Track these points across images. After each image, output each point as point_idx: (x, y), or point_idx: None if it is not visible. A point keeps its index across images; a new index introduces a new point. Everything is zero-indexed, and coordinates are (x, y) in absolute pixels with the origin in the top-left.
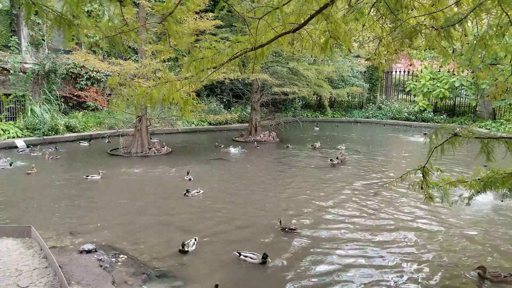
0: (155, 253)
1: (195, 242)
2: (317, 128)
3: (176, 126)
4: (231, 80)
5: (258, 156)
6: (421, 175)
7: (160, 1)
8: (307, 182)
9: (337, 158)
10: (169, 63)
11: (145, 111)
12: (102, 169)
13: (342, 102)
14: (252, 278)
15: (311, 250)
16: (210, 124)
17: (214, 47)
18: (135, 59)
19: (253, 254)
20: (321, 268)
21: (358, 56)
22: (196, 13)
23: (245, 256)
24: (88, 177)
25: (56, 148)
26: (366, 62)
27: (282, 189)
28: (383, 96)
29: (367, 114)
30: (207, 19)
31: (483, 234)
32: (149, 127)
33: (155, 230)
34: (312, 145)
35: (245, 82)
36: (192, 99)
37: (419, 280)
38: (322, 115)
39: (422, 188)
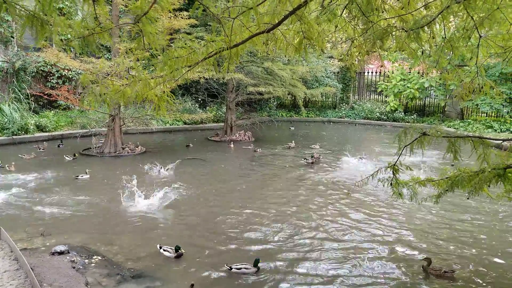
0: (129, 254)
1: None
2: (293, 128)
3: (151, 125)
4: (206, 79)
5: (233, 156)
6: (391, 172)
7: None
8: (282, 181)
9: (312, 157)
10: (143, 61)
11: (118, 110)
12: (77, 169)
13: (316, 102)
14: (230, 278)
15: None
16: (185, 123)
17: (189, 46)
18: (108, 57)
19: (170, 248)
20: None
21: (331, 57)
22: (171, 11)
23: (164, 250)
24: (78, 177)
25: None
26: (339, 62)
27: (258, 189)
28: (355, 96)
29: (340, 114)
30: (182, 18)
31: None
32: (122, 127)
33: (129, 231)
34: (287, 145)
35: (220, 82)
36: (167, 96)
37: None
38: (296, 115)
39: (391, 184)
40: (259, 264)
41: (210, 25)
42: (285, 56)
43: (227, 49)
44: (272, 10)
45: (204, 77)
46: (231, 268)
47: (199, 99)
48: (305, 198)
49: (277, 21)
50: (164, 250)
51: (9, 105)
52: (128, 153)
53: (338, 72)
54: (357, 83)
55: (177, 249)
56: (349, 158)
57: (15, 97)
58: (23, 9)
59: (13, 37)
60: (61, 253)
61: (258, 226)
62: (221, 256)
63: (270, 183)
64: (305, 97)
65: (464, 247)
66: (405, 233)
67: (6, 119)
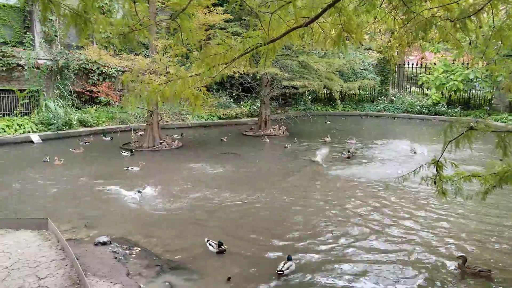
0: (167, 246)
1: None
2: (329, 122)
3: (187, 120)
4: (240, 74)
5: (268, 151)
6: (435, 169)
7: None
8: (320, 176)
9: (348, 151)
10: (180, 57)
11: (156, 106)
12: (135, 162)
13: (353, 95)
14: (268, 274)
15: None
16: (220, 118)
17: (227, 43)
18: (145, 54)
19: (214, 243)
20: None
21: (369, 49)
22: (208, 7)
23: (209, 244)
24: (129, 168)
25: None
26: (377, 54)
27: (294, 184)
28: (395, 89)
29: (378, 107)
30: (217, 13)
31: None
32: (160, 122)
33: (166, 224)
34: (322, 140)
35: (255, 76)
36: (203, 94)
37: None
38: (332, 109)
39: (435, 182)
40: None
41: (244, 20)
42: (321, 49)
43: (265, 45)
44: (310, 3)
45: (238, 72)
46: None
47: (234, 94)
48: (341, 193)
49: (314, 15)
50: (209, 244)
51: (54, 102)
52: (165, 147)
53: (376, 64)
54: (396, 76)
55: (219, 244)
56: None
57: (59, 93)
58: (67, 8)
59: (57, 36)
60: (103, 244)
61: (299, 223)
62: (260, 251)
63: (308, 179)
64: (341, 91)
65: (505, 248)
66: (441, 229)
67: (51, 115)
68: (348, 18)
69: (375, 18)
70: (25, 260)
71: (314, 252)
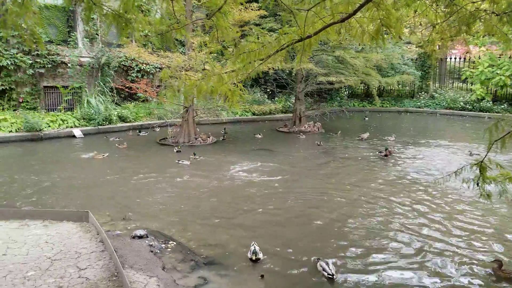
0: (202, 241)
1: (258, 247)
2: (367, 118)
3: (221, 116)
4: (275, 70)
5: (302, 147)
6: (478, 170)
7: None
8: (352, 174)
9: (386, 149)
10: (215, 54)
11: (192, 102)
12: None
13: (392, 91)
14: (302, 276)
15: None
16: (254, 114)
17: (261, 41)
18: (182, 51)
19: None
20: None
21: (409, 43)
22: (241, 4)
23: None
24: (180, 162)
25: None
26: (417, 49)
27: (328, 183)
28: (436, 84)
29: (419, 103)
30: (252, 9)
31: None
32: (195, 118)
33: (202, 219)
34: (359, 136)
35: (290, 72)
36: (240, 90)
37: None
38: (370, 105)
39: (478, 184)
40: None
41: (279, 15)
42: (359, 44)
43: (300, 41)
44: None
45: (273, 68)
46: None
47: (268, 90)
48: (379, 193)
49: (352, 10)
50: (254, 251)
51: (95, 98)
52: (200, 143)
53: (416, 59)
54: (438, 70)
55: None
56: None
57: (100, 90)
58: (109, 9)
59: (98, 35)
60: (140, 237)
61: (333, 224)
62: (295, 251)
63: (343, 176)
64: (379, 86)
65: None
66: (479, 234)
67: (92, 111)
68: (387, 13)
69: (415, 11)
70: (66, 251)
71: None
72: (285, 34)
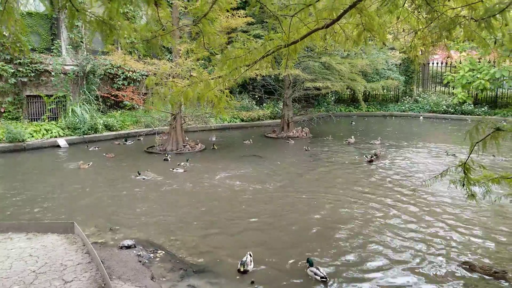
0: (191, 249)
1: (251, 258)
2: (354, 123)
3: (209, 123)
4: (262, 76)
5: (291, 153)
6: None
7: (192, 0)
8: (341, 178)
9: (372, 156)
10: (202, 61)
11: (179, 109)
12: (145, 168)
13: (377, 95)
14: (294, 279)
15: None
16: (242, 120)
17: (247, 47)
18: (169, 58)
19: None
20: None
21: (392, 49)
22: (227, 11)
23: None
24: (174, 170)
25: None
26: (401, 54)
27: (317, 187)
28: (419, 88)
29: (403, 107)
30: (239, 16)
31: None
32: (183, 125)
33: (190, 227)
34: (346, 141)
35: (277, 78)
36: (226, 96)
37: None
38: (356, 110)
39: (463, 185)
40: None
41: (266, 22)
42: (344, 50)
43: (285, 47)
44: (331, 5)
45: (261, 74)
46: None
47: (256, 96)
48: (368, 196)
49: (335, 16)
50: (243, 262)
51: (80, 106)
52: (189, 150)
53: (400, 64)
54: (421, 75)
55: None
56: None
57: (85, 98)
58: (93, 16)
59: (83, 42)
60: (128, 247)
61: (322, 230)
62: (287, 258)
63: (331, 181)
64: (365, 91)
65: None
66: (463, 234)
67: (77, 120)
68: (369, 19)
69: (398, 18)
70: (51, 264)
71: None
72: (270, 40)
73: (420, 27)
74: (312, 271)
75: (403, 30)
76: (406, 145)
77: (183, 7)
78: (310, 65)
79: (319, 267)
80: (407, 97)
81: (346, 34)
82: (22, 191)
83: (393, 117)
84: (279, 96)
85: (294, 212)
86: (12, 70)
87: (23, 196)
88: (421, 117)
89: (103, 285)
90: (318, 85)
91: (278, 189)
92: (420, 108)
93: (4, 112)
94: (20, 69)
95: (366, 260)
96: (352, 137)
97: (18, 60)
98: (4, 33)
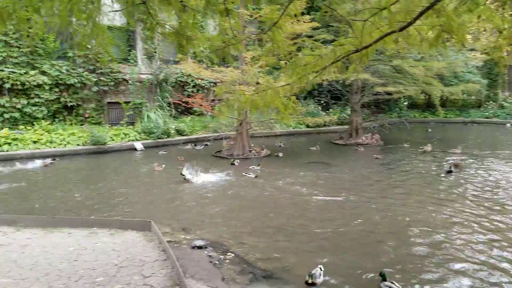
0: (260, 254)
1: (321, 272)
2: (430, 130)
3: (274, 129)
4: (329, 81)
5: (360, 160)
6: None
7: (257, 8)
8: (417, 190)
9: (455, 165)
10: (267, 68)
11: (245, 115)
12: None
13: (456, 100)
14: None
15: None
16: (308, 126)
17: (317, 53)
18: (235, 65)
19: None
20: None
21: (472, 50)
22: (296, 16)
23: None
24: (246, 174)
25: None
26: (482, 56)
27: (390, 197)
28: (505, 93)
29: (486, 113)
30: (304, 22)
31: None
32: (249, 130)
33: (259, 231)
34: (422, 149)
35: (344, 83)
36: (293, 103)
37: None
38: (432, 116)
39: None
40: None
41: (332, 26)
42: (418, 53)
43: (357, 52)
44: (406, 7)
45: (327, 79)
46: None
47: (322, 102)
48: (448, 210)
49: (410, 18)
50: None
51: (154, 112)
52: (254, 155)
53: (482, 66)
54: (507, 78)
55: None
56: None
57: (158, 105)
58: (171, 28)
59: (156, 52)
60: (200, 247)
61: (399, 243)
62: (353, 268)
63: (405, 191)
64: (442, 96)
65: None
66: None
67: (152, 125)
68: (447, 19)
69: (479, 17)
70: (132, 259)
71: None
72: (340, 45)
73: (505, 26)
74: (386, 286)
75: (485, 30)
76: (491, 155)
77: (248, 15)
78: (380, 68)
79: (394, 282)
80: (490, 102)
81: (422, 36)
82: (105, 189)
83: (475, 124)
84: (346, 102)
85: (366, 223)
86: (95, 79)
87: (106, 195)
88: (509, 124)
89: (178, 282)
90: (389, 89)
91: (348, 198)
92: (507, 114)
93: (88, 117)
94: (102, 78)
95: (448, 279)
96: (429, 145)
97: (100, 70)
98: (88, 46)
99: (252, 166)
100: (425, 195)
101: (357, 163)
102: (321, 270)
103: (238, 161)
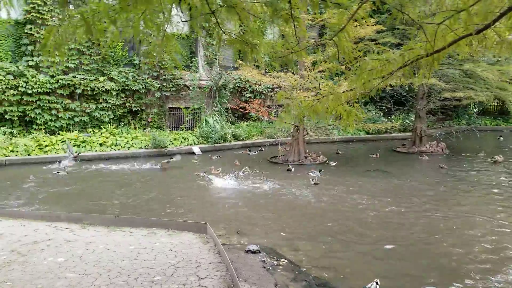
0: (314, 262)
1: (377, 286)
2: (502, 139)
3: (332, 135)
4: (392, 86)
5: (424, 170)
6: None
7: (318, 12)
8: (487, 203)
9: None
10: (325, 73)
11: (302, 120)
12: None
13: None
14: None
15: None
16: (367, 133)
17: (385, 58)
18: (294, 71)
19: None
20: None
21: None
22: (355, 20)
23: None
24: (310, 177)
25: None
26: None
27: (456, 210)
28: None
29: None
30: (368, 25)
31: None
32: (305, 136)
33: (314, 239)
34: (493, 159)
35: (409, 88)
36: (356, 110)
37: None
38: (505, 123)
39: None
40: None
41: (398, 29)
42: (493, 56)
43: (428, 56)
44: (485, 8)
45: (390, 84)
46: None
47: (384, 107)
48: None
49: (489, 20)
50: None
51: (212, 118)
52: (310, 162)
53: None
54: None
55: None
56: None
57: (216, 110)
58: (237, 37)
59: (216, 59)
60: (253, 252)
61: (467, 263)
62: (412, 284)
63: (474, 204)
64: None
65: None
66: None
67: (210, 129)
68: None
69: None
70: (188, 260)
71: None
72: (410, 49)
73: None
74: None
75: None
76: None
77: (310, 20)
78: (449, 73)
79: None
80: None
81: (501, 38)
82: (165, 190)
83: None
84: (410, 107)
85: (430, 238)
86: (158, 85)
87: (166, 196)
88: None
89: (232, 285)
90: (458, 95)
91: (410, 210)
92: None
93: (151, 121)
94: (165, 84)
95: None
96: (501, 155)
97: (163, 77)
98: (154, 53)
99: (313, 171)
100: (494, 208)
101: (419, 172)
102: (377, 284)
103: (292, 166)
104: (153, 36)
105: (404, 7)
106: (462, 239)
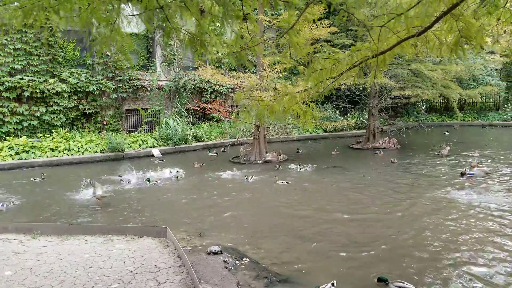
0: (275, 259)
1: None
2: (447, 133)
3: (292, 134)
4: (347, 86)
5: (377, 165)
6: None
7: (275, 14)
8: (437, 195)
9: (463, 173)
10: (285, 73)
11: (262, 120)
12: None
13: (474, 103)
14: None
15: None
16: (325, 131)
17: (335, 58)
18: (253, 71)
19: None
20: None
21: (492, 52)
22: (314, 21)
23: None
24: (277, 182)
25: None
26: (502, 58)
27: (402, 207)
28: None
29: (505, 116)
30: (323, 27)
31: None
32: (266, 136)
33: (275, 236)
34: (439, 152)
35: (362, 87)
36: (312, 109)
37: None
38: (450, 119)
39: None
40: None
41: (351, 30)
42: (437, 56)
43: (374, 57)
44: (424, 12)
45: (345, 84)
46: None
47: (340, 106)
48: (463, 223)
49: (428, 24)
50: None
51: (172, 119)
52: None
53: (501, 69)
54: None
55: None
56: None
57: (176, 111)
58: (186, 32)
59: (175, 59)
60: (215, 253)
61: (433, 253)
62: (365, 269)
63: (425, 197)
64: (460, 99)
65: None
66: None
67: (170, 131)
68: (466, 23)
69: (498, 19)
70: (147, 265)
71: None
72: (358, 50)
73: None
74: (396, 286)
75: (504, 32)
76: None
77: (267, 21)
78: (398, 72)
79: (403, 281)
80: (509, 105)
81: (440, 41)
82: (122, 197)
83: (493, 127)
84: (364, 106)
85: (381, 229)
86: (114, 86)
87: (129, 202)
88: None
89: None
90: (407, 93)
91: (363, 202)
92: None
93: (106, 124)
94: (120, 85)
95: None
96: (446, 147)
97: (119, 77)
98: (108, 52)
99: (293, 165)
100: (441, 199)
101: (373, 167)
102: (332, 286)
103: (279, 165)
104: (103, 27)
105: (349, 7)
106: (412, 229)
